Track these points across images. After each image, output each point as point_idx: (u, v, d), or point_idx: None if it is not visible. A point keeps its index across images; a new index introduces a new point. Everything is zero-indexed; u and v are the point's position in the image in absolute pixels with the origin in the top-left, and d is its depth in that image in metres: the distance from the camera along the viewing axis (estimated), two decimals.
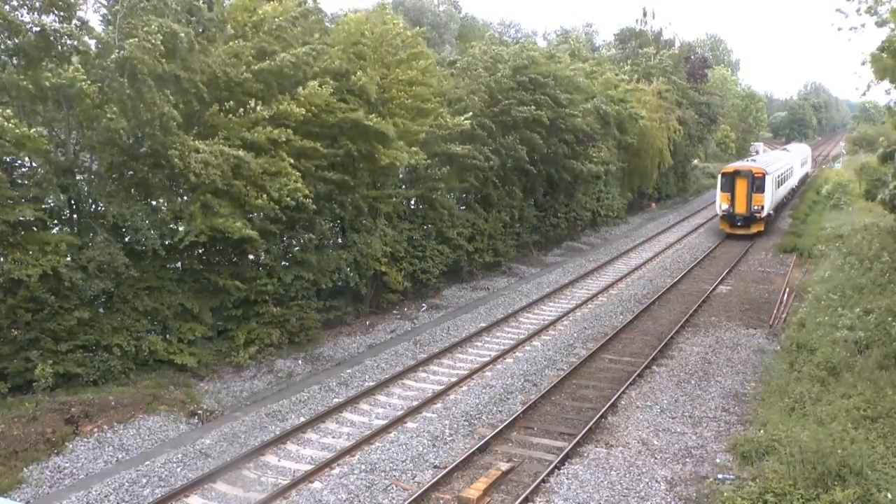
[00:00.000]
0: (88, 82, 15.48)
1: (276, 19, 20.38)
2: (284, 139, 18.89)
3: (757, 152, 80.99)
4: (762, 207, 38.33)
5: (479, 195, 30.63)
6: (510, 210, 32.24)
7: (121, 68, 16.11)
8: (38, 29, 15.39)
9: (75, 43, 16.34)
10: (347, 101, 21.54)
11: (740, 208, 38.60)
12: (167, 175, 18.10)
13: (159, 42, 16.23)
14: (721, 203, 39.26)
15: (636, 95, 48.57)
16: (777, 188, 42.03)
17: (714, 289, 28.09)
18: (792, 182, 53.07)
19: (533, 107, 30.17)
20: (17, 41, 15.46)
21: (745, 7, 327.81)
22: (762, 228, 39.22)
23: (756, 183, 37.95)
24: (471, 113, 27.39)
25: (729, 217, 39.21)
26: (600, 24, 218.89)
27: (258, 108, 18.79)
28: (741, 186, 38.23)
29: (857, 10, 18.18)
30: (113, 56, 16.05)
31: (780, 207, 47.27)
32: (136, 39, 15.90)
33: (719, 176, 39.79)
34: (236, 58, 18.81)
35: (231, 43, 19.04)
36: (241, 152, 17.69)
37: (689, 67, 65.68)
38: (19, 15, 15.67)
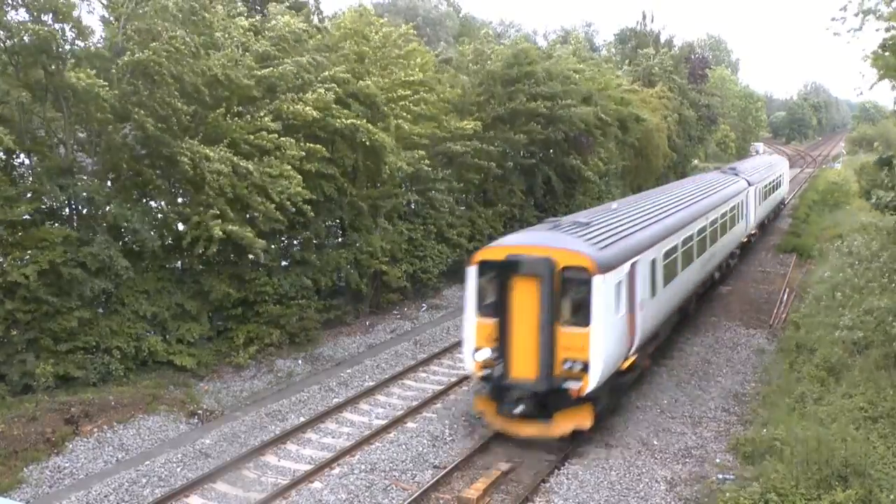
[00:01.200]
0: (106, 87, 15.59)
1: (284, 29, 20.47)
2: (292, 152, 18.97)
3: (757, 152, 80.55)
4: (585, 366, 13.53)
5: (480, 194, 30.64)
6: (510, 209, 32.24)
7: (134, 70, 16.20)
8: (34, 31, 15.37)
9: (78, 44, 16.41)
10: (350, 105, 21.54)
11: (522, 368, 13.88)
12: (167, 176, 18.13)
13: (182, 47, 16.38)
14: (476, 345, 14.48)
15: (640, 95, 48.58)
16: (659, 289, 17.11)
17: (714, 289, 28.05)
18: (735, 234, 27.71)
19: (526, 98, 30.21)
20: (14, 42, 15.45)
21: (745, 7, 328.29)
22: (587, 423, 14.11)
23: (572, 295, 13.83)
24: (479, 122, 27.40)
25: (495, 386, 14.27)
26: (600, 24, 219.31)
27: (266, 118, 18.86)
28: (524, 305, 13.87)
29: (856, 14, 18.17)
30: (126, 58, 16.12)
31: (682, 324, 21.68)
32: (159, 43, 16.03)
33: (471, 272, 14.77)
34: (235, 63, 18.88)
35: (229, 50, 19.08)
36: (249, 164, 17.79)
37: (689, 67, 65.78)
38: (14, 14, 15.70)
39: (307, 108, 19.29)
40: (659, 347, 18.64)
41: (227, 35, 19.63)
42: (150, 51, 16.03)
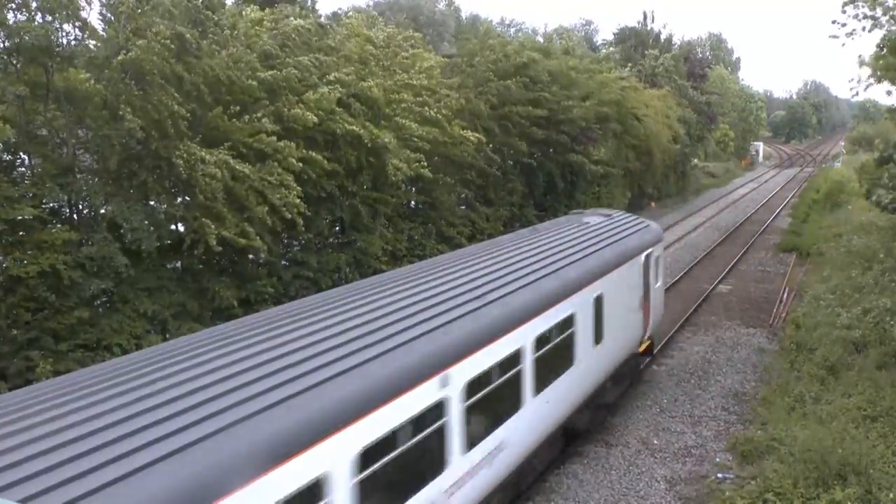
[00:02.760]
0: (97, 85, 15.56)
1: (287, 27, 20.50)
2: (291, 158, 18.98)
3: (757, 152, 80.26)
4: None
5: (480, 194, 30.67)
6: (510, 209, 32.28)
7: (127, 69, 16.16)
8: (32, 29, 15.36)
9: (79, 42, 16.40)
10: (352, 106, 21.55)
11: None
12: (167, 177, 18.13)
13: (168, 44, 16.31)
14: None
15: (643, 97, 48.58)
16: None
17: (713, 288, 28.08)
18: None
19: (531, 107, 30.34)
20: (16, 41, 15.45)
21: (745, 6, 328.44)
22: None
23: None
24: (483, 137, 27.44)
25: None
26: (600, 22, 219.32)
27: (265, 119, 18.85)
28: None
29: (857, 16, 18.34)
30: (119, 57, 16.09)
31: None
32: (145, 41, 15.95)
33: None
34: (238, 63, 18.87)
35: (232, 50, 19.07)
36: (246, 168, 17.74)
37: (687, 66, 65.83)
38: (17, 15, 15.68)
39: (307, 113, 19.30)
40: None
41: (233, 32, 19.60)
42: (139, 49, 15.96)
